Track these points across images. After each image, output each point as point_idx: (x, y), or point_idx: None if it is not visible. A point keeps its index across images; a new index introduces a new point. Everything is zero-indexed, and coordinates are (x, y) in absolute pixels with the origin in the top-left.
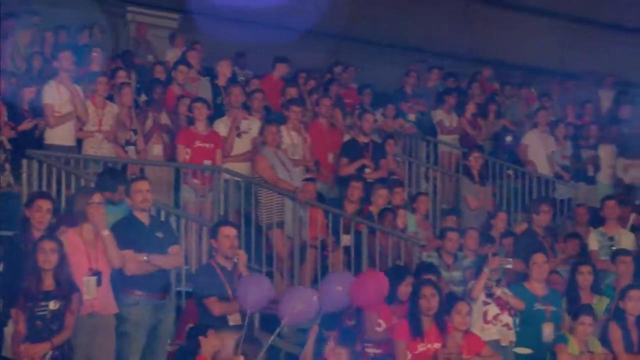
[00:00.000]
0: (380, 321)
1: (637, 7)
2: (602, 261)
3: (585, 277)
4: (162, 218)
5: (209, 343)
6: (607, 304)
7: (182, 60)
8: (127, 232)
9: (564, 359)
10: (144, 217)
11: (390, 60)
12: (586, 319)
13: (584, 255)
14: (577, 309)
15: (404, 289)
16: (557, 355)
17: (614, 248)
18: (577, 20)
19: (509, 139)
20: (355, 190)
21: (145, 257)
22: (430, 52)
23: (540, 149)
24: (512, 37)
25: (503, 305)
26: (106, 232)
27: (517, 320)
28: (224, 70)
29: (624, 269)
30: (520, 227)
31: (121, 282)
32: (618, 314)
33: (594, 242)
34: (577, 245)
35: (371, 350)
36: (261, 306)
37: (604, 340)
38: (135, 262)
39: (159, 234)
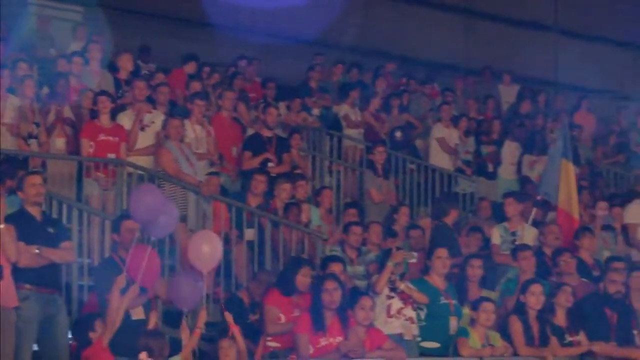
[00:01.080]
0: (281, 315)
1: (540, 3)
2: (503, 255)
3: (475, 270)
4: (64, 211)
5: (99, 333)
6: (496, 297)
7: (79, 52)
8: (18, 226)
9: (466, 353)
10: (35, 212)
11: (295, 54)
12: (488, 306)
13: (486, 249)
14: (477, 299)
15: (302, 279)
16: (459, 349)
17: (516, 243)
18: (481, 16)
19: (398, 134)
20: (259, 183)
21: (36, 250)
22: (335, 46)
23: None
24: (415, 32)
25: (406, 299)
26: (1, 225)
27: (423, 315)
28: (125, 64)
29: (525, 263)
30: (424, 222)
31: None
32: (519, 308)
33: (496, 236)
34: (480, 240)
35: (271, 344)
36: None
37: (505, 334)
38: (27, 253)
39: (51, 230)
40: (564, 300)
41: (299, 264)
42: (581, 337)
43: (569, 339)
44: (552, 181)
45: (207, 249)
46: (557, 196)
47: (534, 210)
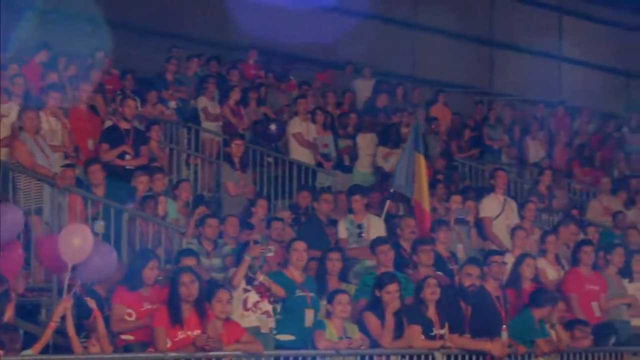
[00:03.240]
0: (130, 311)
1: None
2: (351, 249)
3: (334, 263)
4: None
5: None
6: (353, 291)
7: None
8: None
9: (322, 345)
10: None
11: (152, 46)
12: (342, 298)
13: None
14: (332, 292)
15: (149, 272)
16: (315, 341)
17: (363, 235)
18: (338, 10)
19: (272, 127)
20: (96, 173)
21: None
22: (192, 39)
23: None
24: (274, 25)
25: (263, 293)
26: None
27: (279, 308)
28: None
29: (383, 257)
30: (284, 214)
31: None
32: (374, 302)
33: (342, 230)
34: (335, 233)
35: (125, 337)
36: None
37: (361, 327)
38: None
39: None
40: (429, 294)
41: (146, 258)
42: (445, 330)
43: (435, 331)
44: (405, 174)
45: (77, 242)
46: (411, 189)
47: (388, 203)
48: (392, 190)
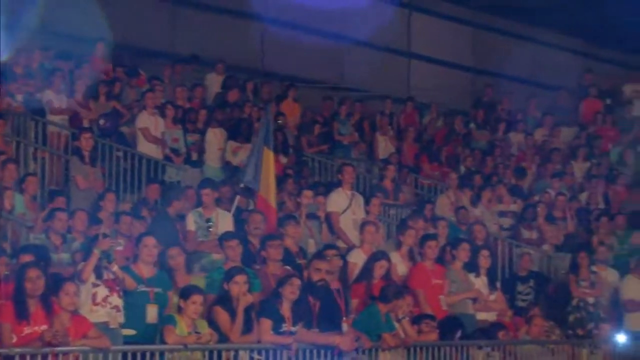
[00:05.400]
0: None
1: None
2: (200, 242)
3: (175, 260)
4: None
5: None
6: (205, 284)
7: None
8: None
9: (172, 340)
10: None
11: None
12: (197, 298)
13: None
14: (187, 289)
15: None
16: (165, 336)
17: (211, 229)
18: (185, 4)
19: (102, 122)
20: None
21: None
22: (44, 31)
23: (152, 131)
24: (122, 17)
25: (112, 287)
26: None
27: (122, 303)
28: None
29: (231, 252)
30: (125, 206)
31: None
32: (223, 296)
33: (191, 222)
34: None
35: None
36: None
37: (210, 322)
38: None
39: None
40: (289, 293)
41: None
42: (298, 327)
43: (284, 327)
44: (255, 169)
45: None
46: (259, 184)
47: (237, 197)
48: (242, 185)
